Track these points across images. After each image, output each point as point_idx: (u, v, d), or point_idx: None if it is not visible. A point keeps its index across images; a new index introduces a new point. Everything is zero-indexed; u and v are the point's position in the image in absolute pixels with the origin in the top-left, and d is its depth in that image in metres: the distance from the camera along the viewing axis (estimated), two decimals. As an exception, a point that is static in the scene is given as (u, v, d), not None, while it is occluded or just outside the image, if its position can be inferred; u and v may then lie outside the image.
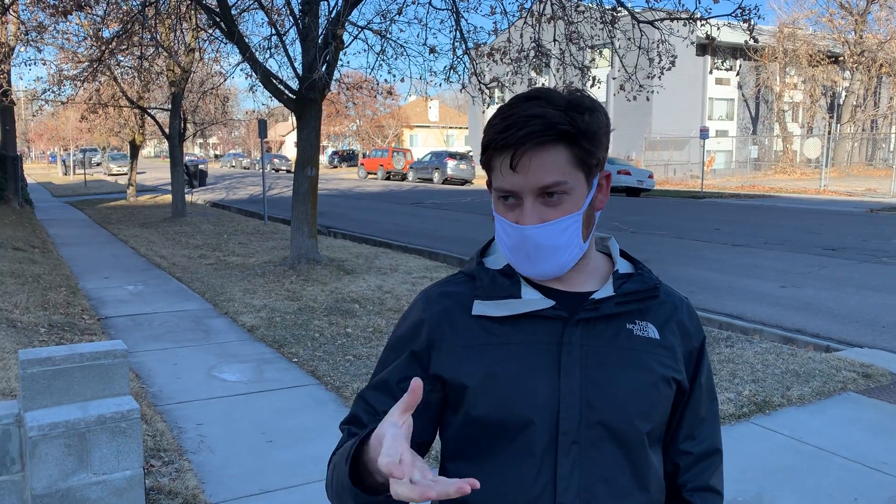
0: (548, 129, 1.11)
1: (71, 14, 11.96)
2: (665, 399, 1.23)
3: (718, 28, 10.26)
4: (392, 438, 0.92)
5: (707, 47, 40.40)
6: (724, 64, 43.95)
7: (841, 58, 42.75)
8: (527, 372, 1.17)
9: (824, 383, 5.58)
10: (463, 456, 1.23)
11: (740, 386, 5.49)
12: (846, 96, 43.82)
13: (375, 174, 41.34)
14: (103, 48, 13.37)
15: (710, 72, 43.34)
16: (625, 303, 1.21)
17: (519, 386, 1.17)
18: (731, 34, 13.13)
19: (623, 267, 1.28)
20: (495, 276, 1.23)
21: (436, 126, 64.57)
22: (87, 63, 15.02)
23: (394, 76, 34.89)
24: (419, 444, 1.22)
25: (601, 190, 1.22)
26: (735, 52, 42.68)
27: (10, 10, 13.18)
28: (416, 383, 0.94)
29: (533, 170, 1.12)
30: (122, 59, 16.73)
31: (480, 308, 1.21)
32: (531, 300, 1.19)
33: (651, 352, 1.21)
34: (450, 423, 1.24)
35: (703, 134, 28.81)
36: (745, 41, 10.49)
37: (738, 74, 27.65)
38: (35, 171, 55.32)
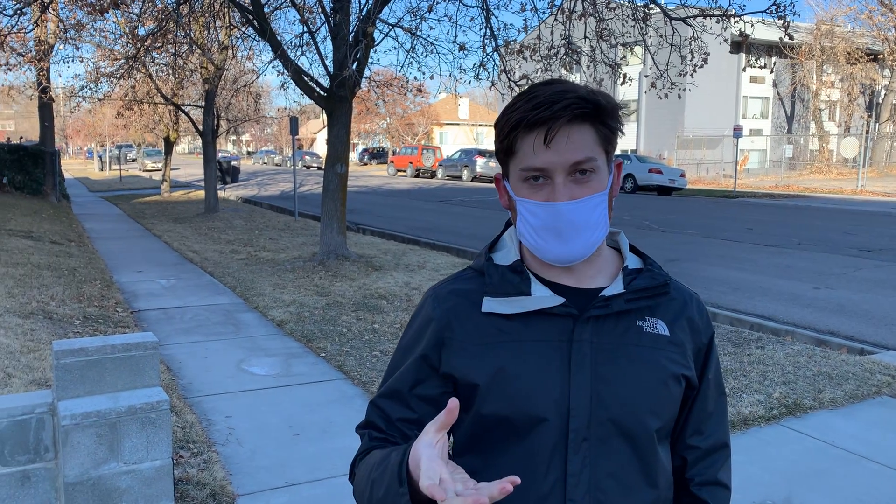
0: (582, 101, 1.13)
1: (108, 12, 12.18)
2: (674, 396, 1.23)
3: (753, 25, 10.12)
4: (428, 460, 0.94)
5: (741, 44, 39.81)
6: (759, 62, 43.26)
7: (880, 55, 41.84)
8: (537, 369, 1.17)
9: (858, 386, 5.47)
10: (473, 452, 1.23)
11: (770, 388, 5.41)
12: (885, 94, 42.87)
13: (405, 171, 41.46)
14: (139, 45, 13.58)
15: (744, 69, 42.68)
16: (635, 300, 1.21)
17: (529, 383, 1.17)
18: (765, 31, 12.93)
19: (632, 262, 1.28)
20: (505, 273, 1.23)
21: (465, 124, 64.52)
22: (123, 60, 15.27)
23: (423, 74, 35.02)
24: None
25: (614, 179, 1.24)
26: (770, 49, 42.00)
27: (50, 9, 13.45)
28: (453, 404, 0.95)
29: (566, 145, 1.13)
30: (157, 56, 16.97)
31: (490, 305, 1.21)
32: (541, 297, 1.19)
33: (661, 349, 1.21)
34: (461, 420, 1.23)
35: (737, 133, 28.41)
36: (781, 38, 10.31)
37: (772, 72, 27.17)
38: (72, 166, 56.42)
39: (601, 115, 1.15)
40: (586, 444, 1.16)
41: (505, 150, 1.19)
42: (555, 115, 1.11)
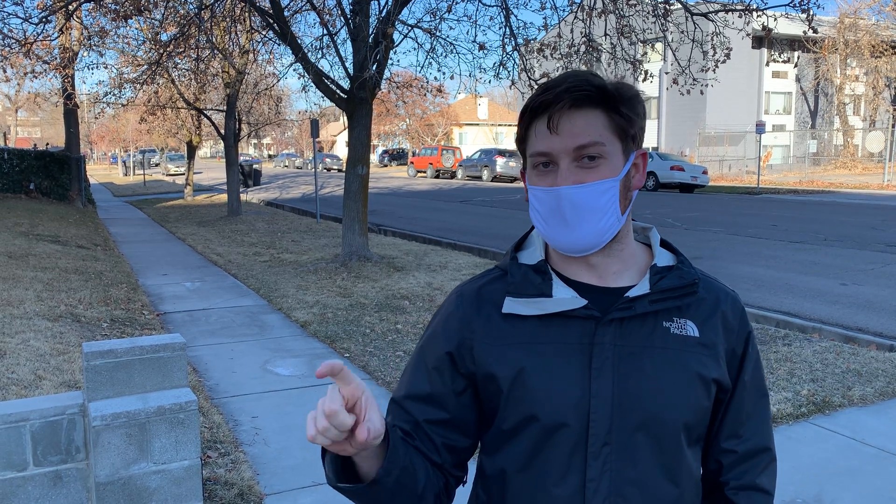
0: (584, 84, 1.11)
1: (131, 18, 12.31)
2: (703, 399, 1.17)
3: (775, 19, 10.00)
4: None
5: (763, 39, 39.26)
6: (782, 56, 42.73)
7: (906, 48, 41.19)
8: (557, 373, 1.14)
9: (888, 383, 5.39)
10: (496, 454, 1.21)
11: (798, 385, 5.35)
12: (911, 87, 42.21)
13: (425, 172, 41.50)
14: (161, 51, 13.72)
15: (767, 64, 42.22)
16: (660, 300, 1.16)
17: (548, 387, 1.13)
18: (788, 25, 12.78)
19: (662, 259, 1.21)
20: (527, 273, 1.19)
21: (485, 124, 64.43)
22: (146, 66, 15.45)
23: (443, 74, 35.08)
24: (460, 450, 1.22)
25: (637, 169, 1.19)
26: (793, 43, 41.49)
27: (74, 16, 13.63)
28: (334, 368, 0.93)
29: (570, 130, 1.11)
30: (179, 61, 17.11)
31: (511, 306, 1.18)
32: (562, 299, 1.15)
33: (689, 351, 1.16)
34: (485, 423, 1.22)
35: (760, 128, 28.10)
36: (804, 32, 10.20)
37: (796, 67, 26.86)
38: (97, 171, 57.13)
39: (610, 100, 1.12)
40: (607, 450, 1.13)
41: (520, 139, 1.19)
42: (557, 98, 1.10)
